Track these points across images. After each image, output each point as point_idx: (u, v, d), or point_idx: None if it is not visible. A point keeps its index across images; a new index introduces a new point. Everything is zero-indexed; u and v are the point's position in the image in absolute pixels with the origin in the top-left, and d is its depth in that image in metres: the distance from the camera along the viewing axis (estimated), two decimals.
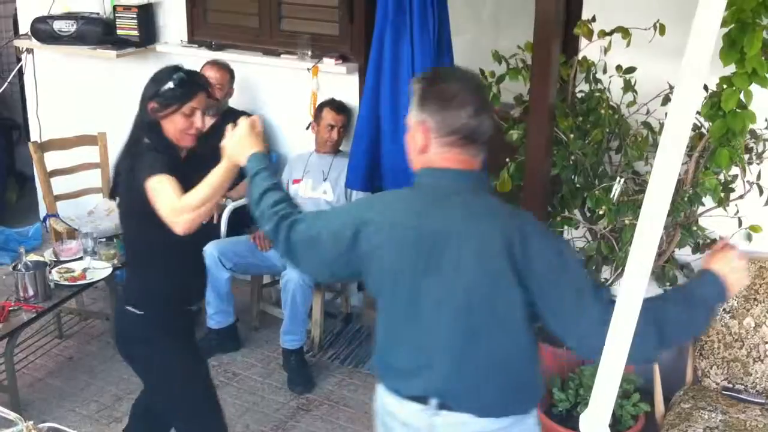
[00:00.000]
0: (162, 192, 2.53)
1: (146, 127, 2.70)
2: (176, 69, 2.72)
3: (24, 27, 5.47)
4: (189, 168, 2.68)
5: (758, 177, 3.27)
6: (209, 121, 2.76)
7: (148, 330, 2.79)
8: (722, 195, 3.19)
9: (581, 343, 1.95)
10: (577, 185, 3.35)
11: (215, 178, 2.50)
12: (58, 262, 4.06)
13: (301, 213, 2.18)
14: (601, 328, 1.72)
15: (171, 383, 2.85)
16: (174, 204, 2.50)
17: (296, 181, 4.50)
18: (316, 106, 4.53)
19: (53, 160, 4.87)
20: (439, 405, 2.03)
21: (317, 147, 4.49)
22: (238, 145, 2.36)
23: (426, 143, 2.04)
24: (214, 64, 4.63)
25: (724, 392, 3.36)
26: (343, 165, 4.25)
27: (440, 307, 1.99)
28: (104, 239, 4.23)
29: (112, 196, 2.90)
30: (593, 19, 3.35)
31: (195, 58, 4.77)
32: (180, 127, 2.68)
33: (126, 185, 2.71)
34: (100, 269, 4.04)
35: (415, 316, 2.02)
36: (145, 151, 2.65)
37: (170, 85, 2.65)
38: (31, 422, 2.00)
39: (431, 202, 2.03)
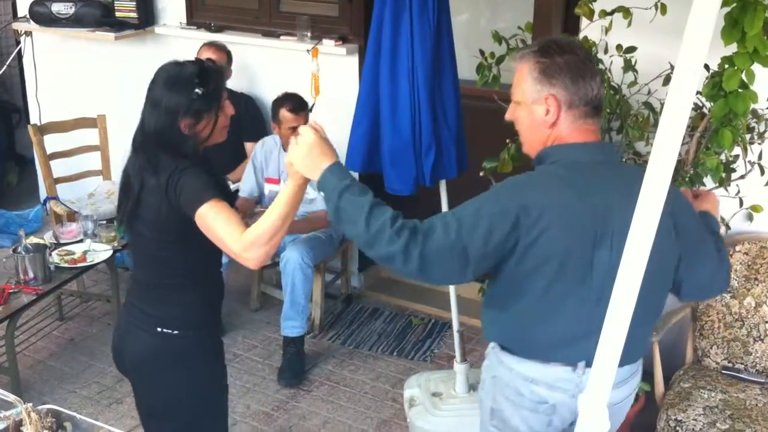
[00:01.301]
0: (220, 224, 2.20)
1: (177, 148, 2.30)
2: (181, 64, 2.35)
3: (22, 10, 5.46)
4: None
5: (759, 157, 3.26)
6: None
7: (186, 350, 2.45)
8: (723, 175, 3.18)
9: (713, 281, 2.25)
10: None
11: (284, 203, 2.17)
12: (58, 245, 4.06)
13: (422, 221, 1.96)
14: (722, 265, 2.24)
15: (194, 410, 2.52)
16: (242, 239, 2.16)
17: (271, 181, 4.39)
18: (272, 102, 4.29)
19: (53, 142, 4.86)
20: (586, 365, 2.00)
21: (285, 146, 4.20)
22: (307, 159, 2.07)
23: (556, 117, 2.02)
24: (212, 45, 4.61)
25: (724, 372, 3.37)
26: None
27: (613, 278, 1.94)
28: (104, 221, 4.23)
29: (127, 223, 2.44)
30: None
31: (194, 40, 4.76)
32: (219, 125, 2.37)
33: (157, 210, 2.32)
34: (100, 251, 4.04)
35: (583, 290, 1.99)
36: (180, 170, 2.27)
37: (198, 91, 2.28)
38: (30, 404, 1.99)
39: (587, 178, 2.01)
